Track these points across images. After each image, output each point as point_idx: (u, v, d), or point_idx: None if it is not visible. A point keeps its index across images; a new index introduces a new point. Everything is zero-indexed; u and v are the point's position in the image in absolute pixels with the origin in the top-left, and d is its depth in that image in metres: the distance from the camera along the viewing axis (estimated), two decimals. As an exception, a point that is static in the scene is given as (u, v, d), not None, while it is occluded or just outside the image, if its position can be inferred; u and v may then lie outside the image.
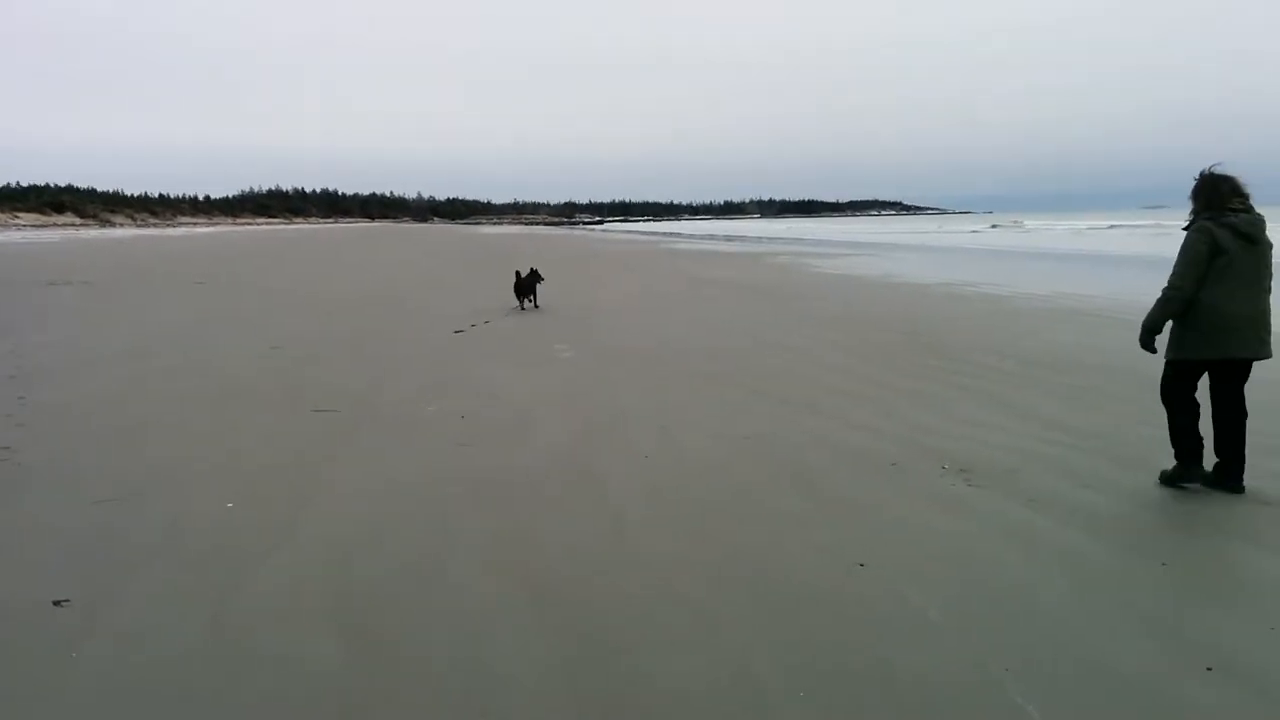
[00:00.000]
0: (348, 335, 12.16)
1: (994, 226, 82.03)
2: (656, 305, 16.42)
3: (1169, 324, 5.35)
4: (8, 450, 6.16)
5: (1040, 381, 8.91)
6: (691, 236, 74.18)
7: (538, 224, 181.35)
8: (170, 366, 9.62)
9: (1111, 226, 68.27)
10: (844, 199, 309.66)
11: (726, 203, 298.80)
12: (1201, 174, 5.30)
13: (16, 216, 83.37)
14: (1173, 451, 5.49)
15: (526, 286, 15.45)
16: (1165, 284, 5.24)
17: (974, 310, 15.89)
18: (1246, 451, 5.34)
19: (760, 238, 66.66)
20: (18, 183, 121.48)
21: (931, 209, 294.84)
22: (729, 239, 64.38)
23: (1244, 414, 5.32)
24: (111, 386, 8.51)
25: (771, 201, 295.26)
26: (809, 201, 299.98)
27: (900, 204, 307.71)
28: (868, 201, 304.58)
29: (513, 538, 4.71)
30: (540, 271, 15.81)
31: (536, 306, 15.37)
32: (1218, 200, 5.16)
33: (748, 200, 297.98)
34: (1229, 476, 5.34)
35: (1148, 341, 5.38)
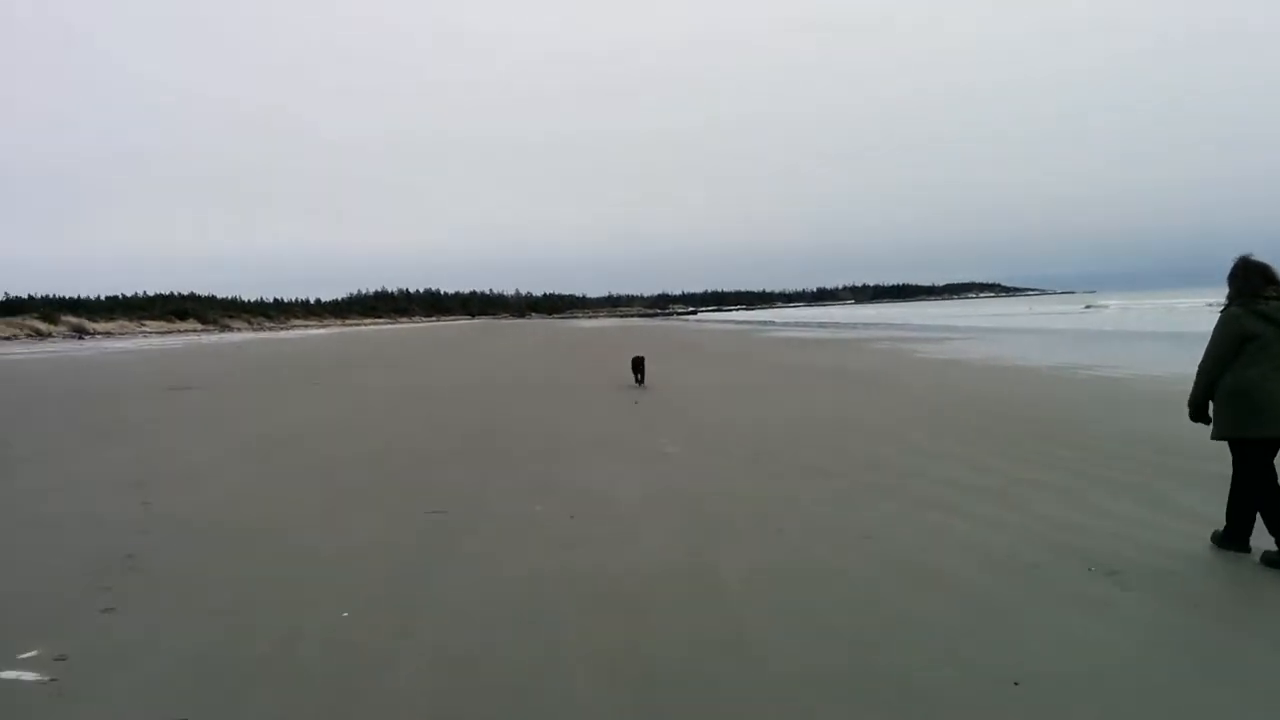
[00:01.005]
0: (454, 432, 12.24)
1: (1088, 308, 79.50)
2: (757, 395, 16.21)
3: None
4: (131, 559, 6.24)
5: (1178, 470, 8.35)
6: (785, 324, 73.96)
7: (632, 316, 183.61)
8: (285, 470, 9.78)
9: (1209, 305, 65.62)
10: (939, 282, 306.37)
11: (820, 289, 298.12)
12: (1237, 261, 5.68)
13: (144, 324, 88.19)
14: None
15: (638, 365, 19.04)
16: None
17: (1092, 394, 15.23)
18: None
19: (855, 324, 66.02)
20: (144, 292, 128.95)
21: (1031, 290, 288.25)
22: (823, 325, 63.95)
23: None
24: (229, 492, 8.66)
25: (865, 287, 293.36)
26: (903, 286, 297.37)
27: (998, 285, 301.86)
28: (964, 284, 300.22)
29: (625, 651, 4.48)
30: (646, 359, 19.14)
31: (643, 383, 18.31)
32: (1249, 288, 5.54)
33: (840, 286, 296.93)
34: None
35: (1195, 416, 5.83)
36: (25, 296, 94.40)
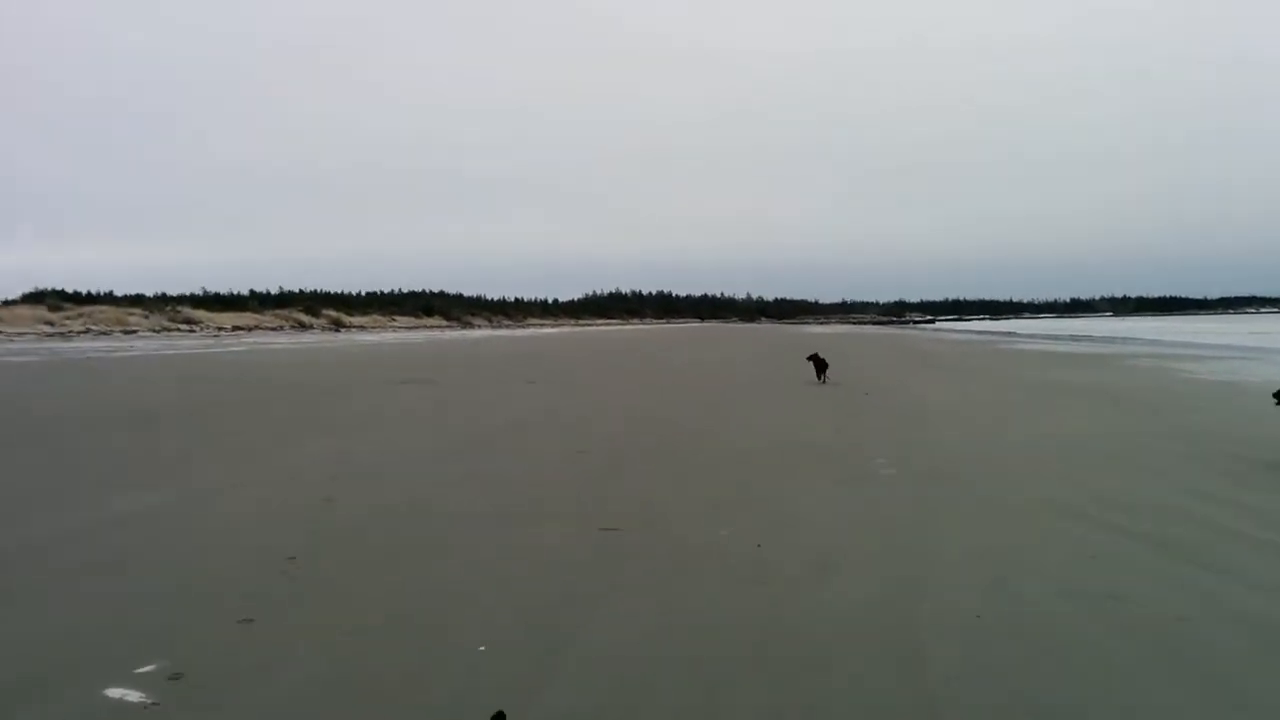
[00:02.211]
0: (655, 440, 11.73)
1: None
2: (992, 414, 14.67)
3: None
4: (293, 561, 6.08)
5: None
6: (1031, 336, 69.01)
7: (865, 323, 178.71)
8: (474, 473, 9.59)
9: None
10: (1212, 295, 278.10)
11: (1073, 300, 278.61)
12: None
13: (394, 319, 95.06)
14: None
15: (821, 365, 20.92)
16: None
17: None
18: None
19: (1112, 338, 60.47)
20: (398, 289, 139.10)
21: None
22: (1074, 339, 59.02)
23: None
24: (412, 494, 8.51)
25: (1126, 299, 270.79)
26: (1170, 298, 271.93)
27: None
28: (1242, 298, 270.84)
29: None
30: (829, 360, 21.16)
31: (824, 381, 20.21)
32: None
33: (1098, 297, 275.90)
34: None
35: None
36: (296, 290, 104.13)
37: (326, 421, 13.82)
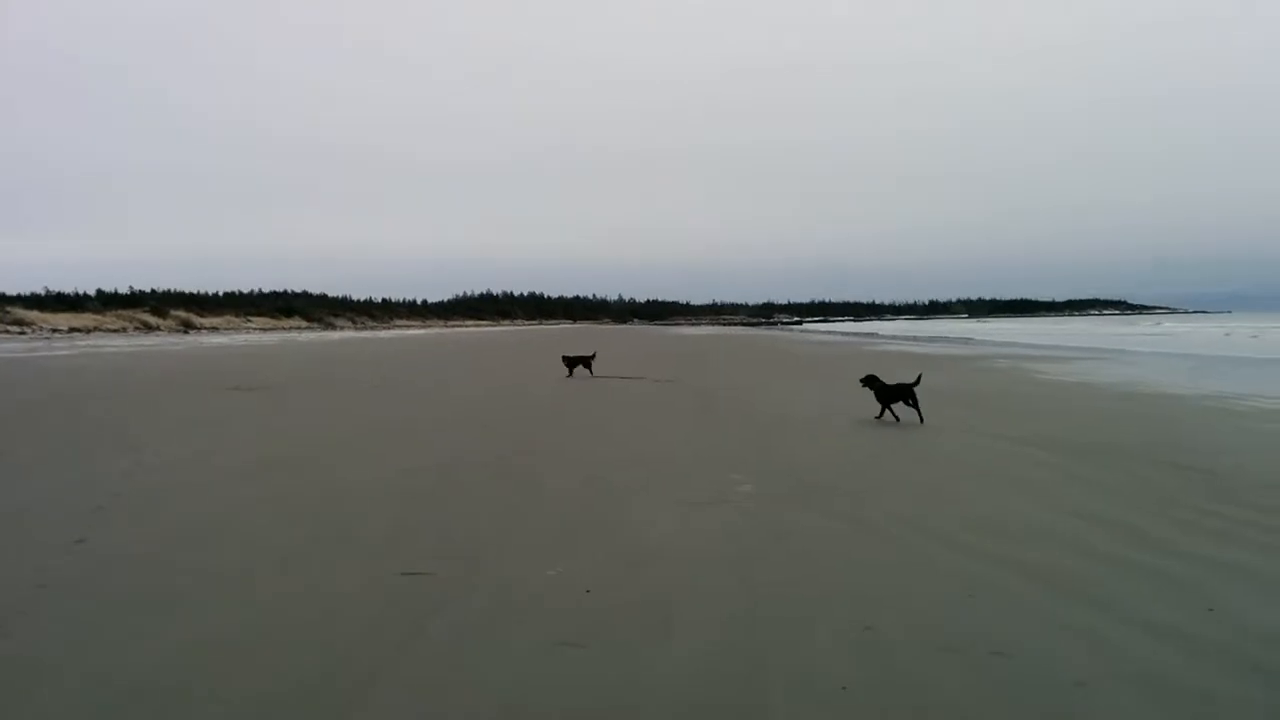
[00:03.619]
0: (495, 455, 10.53)
1: (1228, 334, 66.10)
2: (856, 420, 14.05)
3: None
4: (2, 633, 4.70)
5: None
6: (893, 337, 70.65)
7: (735, 324, 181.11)
8: (277, 495, 8.23)
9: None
10: (1060, 298, 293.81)
11: (931, 302, 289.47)
12: None
13: (249, 320, 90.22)
14: None
15: (574, 362, 22.78)
16: None
17: (1266, 433, 12.67)
18: None
19: (968, 339, 62.36)
20: (259, 289, 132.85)
21: (1160, 308, 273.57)
22: (933, 340, 60.55)
23: None
24: (192, 525, 7.12)
25: (980, 301, 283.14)
26: (1022, 301, 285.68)
27: (1124, 303, 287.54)
28: (1086, 300, 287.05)
29: None
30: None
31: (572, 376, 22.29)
32: None
33: (954, 300, 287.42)
34: None
35: None
36: (148, 290, 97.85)
37: (123, 436, 12.07)
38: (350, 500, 8.05)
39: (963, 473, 9.46)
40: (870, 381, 14.21)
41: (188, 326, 76.46)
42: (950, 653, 4.47)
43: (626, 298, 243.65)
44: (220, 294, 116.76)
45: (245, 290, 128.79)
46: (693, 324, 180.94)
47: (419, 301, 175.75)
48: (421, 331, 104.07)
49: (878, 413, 13.93)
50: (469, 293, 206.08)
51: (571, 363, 22.90)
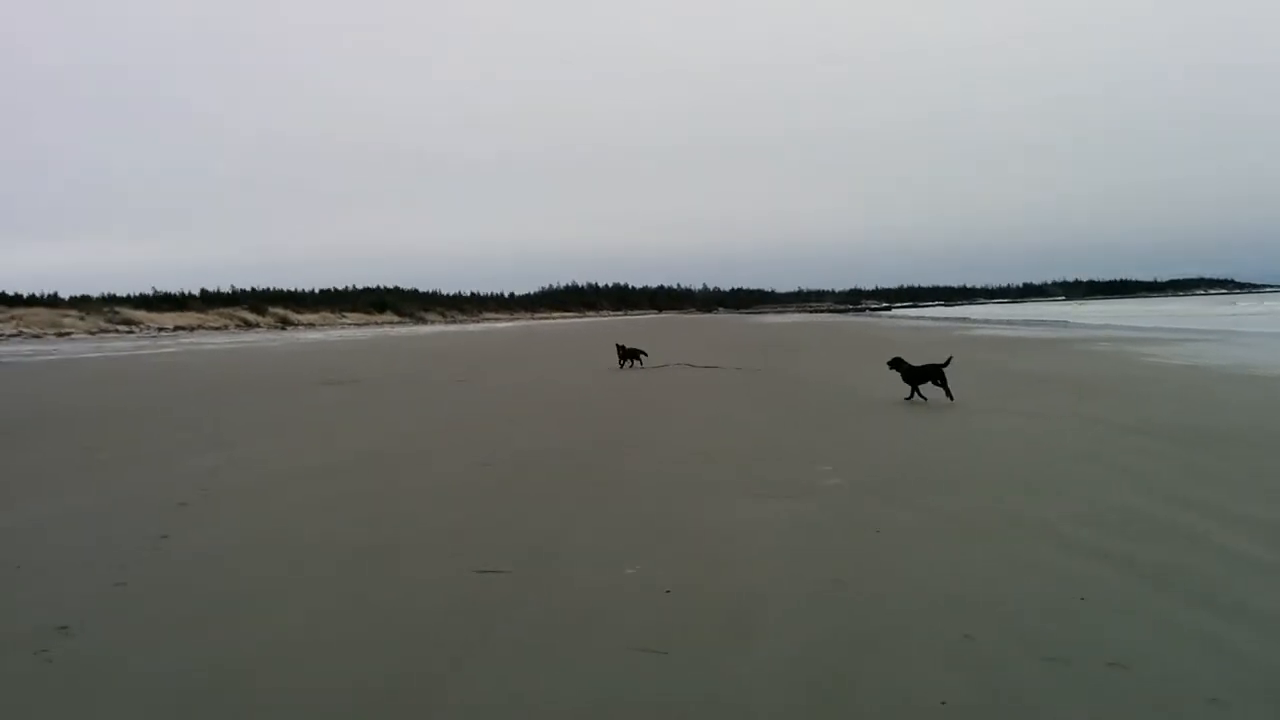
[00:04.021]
0: (574, 447, 10.36)
1: None
2: (951, 407, 13.47)
3: None
4: (64, 631, 4.68)
5: None
6: (986, 321, 68.58)
7: (822, 311, 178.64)
8: (352, 492, 8.18)
9: None
10: (1162, 277, 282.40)
11: (1025, 284, 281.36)
12: None
13: (344, 316, 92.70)
14: None
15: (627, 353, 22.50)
16: None
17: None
18: None
19: (1067, 322, 60.13)
20: (353, 285, 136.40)
21: (1271, 285, 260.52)
22: (1029, 324, 58.57)
23: None
24: (274, 521, 7.11)
25: (1078, 283, 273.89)
26: (1121, 281, 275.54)
27: (1232, 281, 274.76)
28: (1191, 280, 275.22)
29: None
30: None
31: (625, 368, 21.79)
32: None
33: (1049, 282, 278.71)
34: None
35: None
36: (248, 289, 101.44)
37: (215, 432, 12.29)
38: (429, 496, 7.96)
39: (1068, 463, 8.92)
40: (897, 364, 14.58)
41: (285, 323, 78.81)
42: (1060, 664, 4.09)
43: (711, 287, 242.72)
44: (316, 291, 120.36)
45: (340, 287, 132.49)
46: (779, 312, 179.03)
47: (506, 295, 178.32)
48: (509, 324, 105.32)
49: (907, 394, 14.28)
50: (554, 285, 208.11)
51: (626, 354, 22.66)
